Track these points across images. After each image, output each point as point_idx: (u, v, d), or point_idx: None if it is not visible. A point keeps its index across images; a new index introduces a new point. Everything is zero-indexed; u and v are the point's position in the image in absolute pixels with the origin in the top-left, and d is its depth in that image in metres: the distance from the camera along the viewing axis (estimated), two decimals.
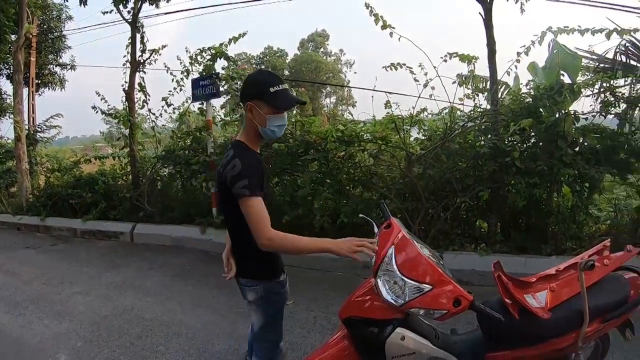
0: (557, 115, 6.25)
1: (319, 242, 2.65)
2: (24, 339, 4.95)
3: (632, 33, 6.72)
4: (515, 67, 6.74)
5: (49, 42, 15.10)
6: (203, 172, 8.48)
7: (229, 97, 8.52)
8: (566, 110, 6.30)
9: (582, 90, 6.63)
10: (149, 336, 4.89)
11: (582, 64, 7.34)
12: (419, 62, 6.60)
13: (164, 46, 9.71)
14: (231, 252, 2.98)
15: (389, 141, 7.07)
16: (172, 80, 8.90)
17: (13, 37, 12.46)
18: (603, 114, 6.58)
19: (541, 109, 6.37)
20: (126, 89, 9.74)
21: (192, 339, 4.79)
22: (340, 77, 66.91)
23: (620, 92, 6.89)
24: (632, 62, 7.17)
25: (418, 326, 2.72)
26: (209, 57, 8.39)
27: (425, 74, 6.58)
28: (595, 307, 2.62)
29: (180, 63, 8.71)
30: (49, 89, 15.96)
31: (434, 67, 6.47)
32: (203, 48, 8.42)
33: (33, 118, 14.35)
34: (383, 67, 6.77)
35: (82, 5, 10.43)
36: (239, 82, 8.05)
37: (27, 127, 12.80)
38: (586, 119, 6.51)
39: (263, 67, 58.68)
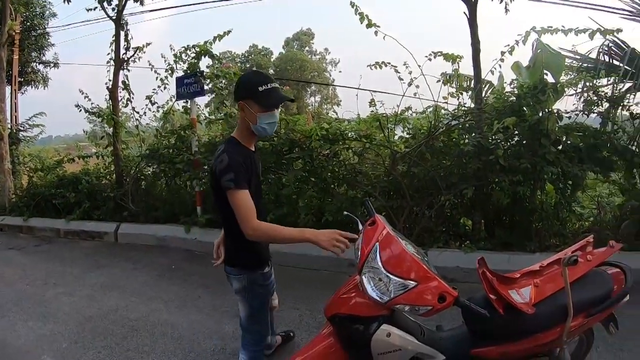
0: (540, 114, 6.28)
1: (300, 232, 2.76)
2: (7, 341, 4.89)
3: (615, 33, 6.79)
4: (500, 66, 6.77)
5: (32, 39, 14.93)
6: (187, 171, 8.43)
7: (213, 95, 8.47)
8: (549, 109, 6.33)
9: (566, 89, 6.71)
10: (134, 336, 4.85)
11: (566, 63, 7.39)
12: (404, 60, 6.64)
13: (148, 44, 9.62)
14: (223, 241, 3.20)
15: (374, 139, 7.08)
16: (157, 78, 8.89)
17: None
18: (586, 112, 6.64)
19: (525, 108, 6.40)
20: (110, 87, 9.65)
21: (178, 339, 4.77)
22: (325, 75, 66.95)
23: (603, 91, 6.97)
24: (615, 62, 7.22)
25: (403, 323, 2.73)
26: (193, 55, 8.34)
27: (410, 73, 6.62)
28: (579, 302, 2.64)
29: (165, 61, 8.70)
30: (32, 87, 15.78)
31: (419, 66, 6.51)
32: (187, 46, 8.38)
33: (16, 117, 14.16)
34: (368, 66, 6.79)
35: (66, 2, 10.33)
36: (223, 81, 8.05)
37: (9, 126, 12.63)
38: (569, 117, 6.56)
39: (248, 65, 58.76)
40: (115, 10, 9.59)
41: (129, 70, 9.69)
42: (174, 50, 8.51)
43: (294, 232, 2.79)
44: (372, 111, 7.19)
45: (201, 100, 9.13)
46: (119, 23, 9.55)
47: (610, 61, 7.21)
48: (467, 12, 6.82)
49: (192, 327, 5.01)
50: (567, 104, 7.17)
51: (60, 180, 10.27)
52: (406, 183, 6.73)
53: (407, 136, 7.35)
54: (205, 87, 8.22)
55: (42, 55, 15.65)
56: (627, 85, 7.03)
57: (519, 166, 6.04)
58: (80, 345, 4.70)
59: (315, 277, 6.24)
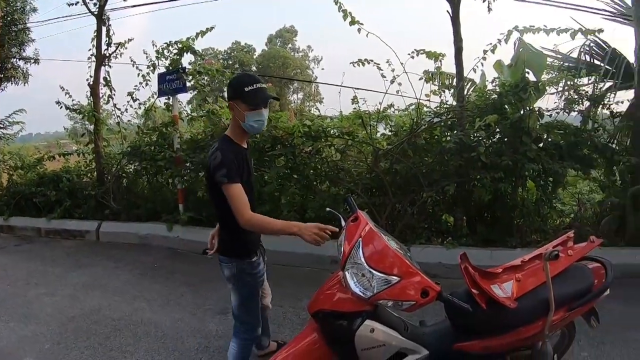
0: (522, 112, 6.34)
1: (288, 225, 2.95)
2: None
3: (596, 34, 6.86)
4: (482, 64, 6.81)
5: (13, 34, 14.72)
6: (169, 169, 8.33)
7: (195, 92, 8.42)
8: (531, 107, 6.40)
9: (547, 88, 6.78)
10: (117, 336, 4.82)
11: (547, 62, 7.46)
12: (387, 58, 6.65)
13: (130, 40, 9.55)
14: (218, 232, 3.40)
15: (356, 136, 7.11)
16: (138, 74, 8.77)
17: None
18: (567, 111, 6.75)
19: (506, 106, 6.46)
20: (91, 83, 9.54)
21: (162, 338, 4.74)
22: (308, 73, 66.68)
23: (584, 90, 7.07)
24: (596, 62, 7.31)
25: (387, 318, 2.74)
26: (175, 51, 8.24)
27: (393, 71, 6.63)
28: (561, 296, 2.67)
29: (147, 57, 8.59)
30: (12, 83, 15.55)
31: (401, 64, 6.53)
32: (170, 42, 8.29)
33: None
34: (350, 63, 6.78)
35: None
36: (205, 78, 8.01)
37: None
38: (550, 115, 6.68)
39: (230, 62, 58.56)
40: (97, 6, 9.47)
41: (110, 67, 9.59)
42: (156, 46, 8.42)
43: (283, 224, 2.98)
44: (355, 108, 7.18)
45: (183, 97, 9.05)
46: (101, 18, 9.43)
47: (592, 61, 7.31)
48: (450, 11, 6.85)
49: (175, 326, 4.99)
50: (549, 102, 7.21)
51: (40, 178, 10.11)
52: (388, 180, 6.76)
53: (390, 133, 7.37)
54: (188, 84, 8.14)
55: (22, 51, 15.41)
56: (608, 84, 7.14)
57: (501, 163, 6.10)
58: (62, 346, 4.65)
59: (298, 274, 6.24)
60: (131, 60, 8.96)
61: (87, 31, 9.47)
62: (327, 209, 3.31)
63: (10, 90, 15.78)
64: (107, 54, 9.47)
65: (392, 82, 6.64)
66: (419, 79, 6.77)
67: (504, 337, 2.71)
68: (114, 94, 9.49)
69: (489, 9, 7.14)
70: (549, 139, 6.48)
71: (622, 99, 6.94)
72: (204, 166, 7.67)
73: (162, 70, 8.50)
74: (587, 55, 7.36)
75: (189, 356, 4.39)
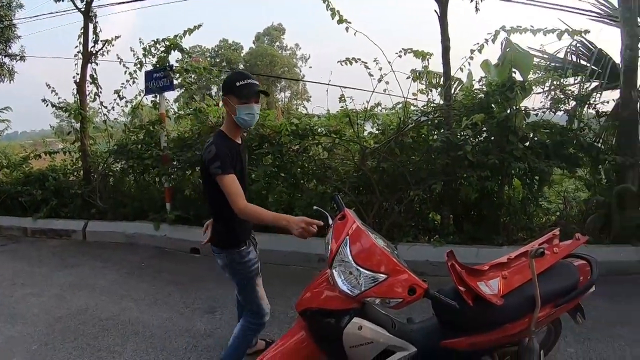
0: (508, 111, 6.40)
1: (279, 217, 3.02)
2: None
3: (582, 34, 6.92)
4: (469, 63, 6.85)
5: None
6: (156, 167, 8.29)
7: (182, 90, 8.40)
8: (517, 107, 6.46)
9: (533, 87, 6.85)
10: (105, 336, 4.78)
11: (534, 62, 7.53)
12: (374, 57, 6.66)
13: (117, 37, 9.43)
14: (212, 223, 3.53)
15: (343, 135, 7.12)
16: (125, 72, 8.69)
17: None
18: (553, 110, 6.79)
19: (493, 105, 6.49)
20: (77, 81, 9.45)
21: (150, 337, 4.72)
22: (295, 71, 66.54)
23: (570, 90, 7.15)
24: (582, 62, 7.39)
25: (375, 316, 2.76)
26: (163, 49, 8.20)
27: (380, 69, 6.64)
28: (547, 293, 2.70)
29: (134, 55, 8.54)
30: None
31: (389, 63, 6.55)
32: (157, 39, 8.23)
33: None
34: (338, 62, 6.81)
35: None
36: (193, 75, 8.00)
37: None
38: (537, 115, 6.71)
39: (218, 60, 58.40)
40: (84, 2, 9.40)
41: (97, 64, 9.48)
42: (143, 43, 8.36)
43: (274, 216, 3.07)
44: (342, 107, 7.19)
45: (170, 95, 9.04)
46: (88, 15, 9.35)
47: (578, 61, 7.38)
48: (437, 10, 6.87)
49: (163, 325, 4.96)
50: (535, 101, 7.27)
51: (26, 177, 10.01)
52: (375, 178, 6.77)
53: (377, 132, 7.40)
54: (175, 82, 8.12)
55: (8, 47, 15.32)
56: (594, 84, 7.21)
57: (487, 162, 6.14)
58: (50, 347, 4.60)
59: (286, 272, 6.23)
60: (118, 58, 8.91)
61: (74, 28, 9.38)
62: (315, 207, 3.35)
63: None
64: (94, 51, 9.36)
65: (379, 80, 6.67)
66: (407, 78, 6.84)
67: (491, 334, 2.73)
68: (101, 92, 9.41)
69: (477, 9, 7.17)
70: (535, 138, 6.54)
71: (608, 99, 7.02)
72: (192, 164, 7.72)
73: (149, 67, 8.45)
74: (573, 56, 7.43)
75: (178, 355, 4.37)
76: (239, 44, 66.45)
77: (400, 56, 6.56)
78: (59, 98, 9.52)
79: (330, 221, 2.96)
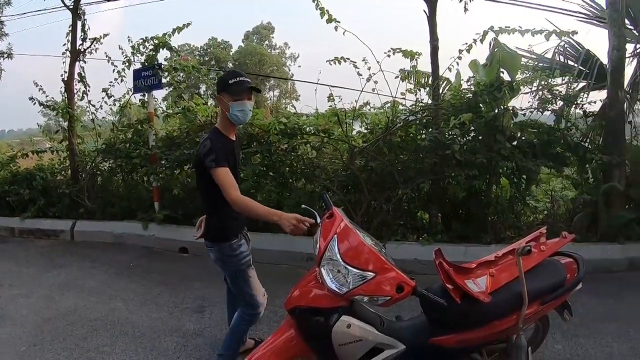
0: (496, 111, 6.44)
1: (271, 212, 3.06)
2: None
3: (570, 35, 6.97)
4: (457, 63, 6.87)
5: None
6: (144, 166, 8.24)
7: (171, 88, 8.36)
8: (505, 106, 6.47)
9: (521, 87, 6.88)
10: (94, 337, 4.75)
11: (522, 62, 7.57)
12: (363, 56, 6.68)
13: (105, 35, 9.38)
14: (206, 218, 3.61)
15: (332, 134, 7.13)
16: (113, 70, 8.61)
17: None
18: (540, 110, 6.84)
19: (481, 104, 6.54)
20: (65, 79, 9.40)
21: (139, 338, 4.70)
22: (285, 70, 66.34)
23: (558, 90, 7.23)
24: (570, 62, 7.46)
25: (363, 313, 2.78)
26: (151, 47, 8.15)
27: (369, 69, 6.66)
28: (534, 290, 2.72)
29: (122, 53, 8.45)
30: None
31: (377, 62, 6.57)
32: (146, 38, 8.18)
33: None
34: (327, 61, 6.81)
35: None
36: (181, 74, 7.95)
37: None
38: (524, 114, 6.77)
39: (207, 58, 58.25)
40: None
41: (85, 62, 9.43)
42: (131, 42, 8.30)
43: (266, 210, 3.11)
44: (331, 106, 7.19)
45: (159, 94, 8.97)
46: (76, 12, 9.29)
47: (565, 61, 7.45)
48: (426, 10, 6.90)
49: (152, 325, 4.95)
50: (523, 101, 7.35)
51: (14, 176, 9.92)
52: (364, 177, 6.80)
53: (365, 131, 7.41)
54: (163, 80, 8.08)
55: None
56: (581, 84, 7.30)
57: (475, 161, 6.17)
58: (39, 348, 4.57)
59: (275, 272, 6.18)
60: (106, 56, 8.82)
61: (62, 26, 9.33)
62: (303, 206, 3.34)
63: None
64: (82, 49, 9.32)
65: (368, 80, 6.68)
66: (395, 77, 6.85)
67: (479, 331, 2.75)
68: (89, 90, 9.38)
69: (465, 9, 7.21)
70: (523, 138, 6.57)
71: (595, 99, 7.12)
72: (180, 163, 7.70)
73: (138, 66, 8.41)
74: (561, 56, 7.50)
75: (167, 355, 4.36)
76: (228, 43, 66.12)
77: (389, 56, 6.57)
78: (46, 96, 9.46)
79: (319, 220, 2.96)
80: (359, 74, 6.71)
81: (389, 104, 7.11)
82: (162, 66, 7.97)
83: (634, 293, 5.30)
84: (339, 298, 2.60)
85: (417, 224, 7.20)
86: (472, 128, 6.63)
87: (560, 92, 7.22)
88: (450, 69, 6.95)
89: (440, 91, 7.24)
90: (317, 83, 7.17)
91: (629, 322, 4.54)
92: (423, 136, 6.79)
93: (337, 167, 7.28)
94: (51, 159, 10.10)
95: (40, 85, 9.33)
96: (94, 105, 9.30)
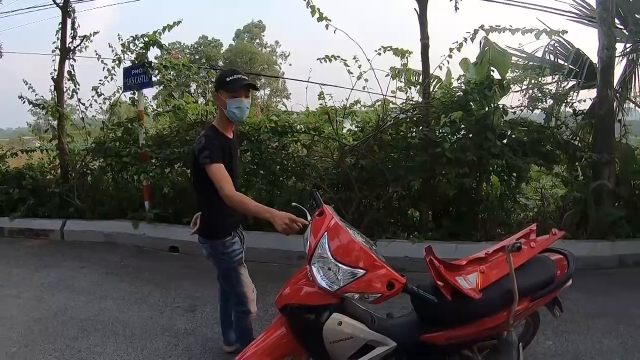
0: (486, 109, 6.45)
1: (264, 209, 3.02)
2: None
3: (560, 34, 7.01)
4: (448, 62, 6.87)
5: None
6: (134, 165, 8.19)
7: (161, 87, 8.32)
8: (495, 104, 6.50)
9: (512, 86, 6.93)
10: (85, 337, 4.70)
11: (512, 61, 7.61)
12: (354, 55, 6.68)
13: (95, 32, 9.33)
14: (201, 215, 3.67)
15: (322, 132, 7.16)
16: (103, 68, 8.61)
17: None
18: (531, 108, 6.88)
19: (471, 103, 6.56)
20: (55, 77, 9.34)
21: (130, 337, 4.66)
22: (275, 68, 66.13)
23: (548, 88, 7.26)
24: (560, 61, 7.50)
25: (354, 311, 2.77)
26: (141, 45, 8.11)
27: (360, 67, 6.67)
28: (524, 287, 2.73)
29: (112, 51, 8.43)
30: None
31: (368, 60, 6.59)
32: (136, 36, 8.16)
33: None
34: (317, 59, 6.82)
35: None
36: (172, 72, 7.92)
37: None
38: (514, 113, 6.81)
39: (197, 57, 58.07)
40: None
41: (75, 60, 9.36)
42: (122, 39, 8.27)
43: (259, 207, 3.06)
44: (321, 104, 7.20)
45: (149, 92, 8.93)
46: (66, 10, 9.23)
47: (556, 60, 7.49)
48: (417, 9, 6.91)
49: (143, 325, 4.92)
50: (513, 100, 7.41)
51: (3, 175, 9.84)
52: (354, 175, 6.80)
53: (356, 129, 7.44)
54: (154, 79, 8.05)
55: None
56: (571, 83, 7.34)
57: (465, 159, 6.19)
58: (29, 349, 4.52)
59: (265, 270, 6.18)
60: (96, 54, 8.79)
61: (51, 23, 9.25)
62: (294, 203, 3.37)
63: None
64: (72, 47, 9.26)
65: (358, 78, 6.70)
66: (386, 76, 6.87)
67: (470, 328, 2.75)
68: (79, 89, 9.33)
69: (456, 8, 7.22)
70: (513, 136, 6.60)
71: (585, 98, 7.18)
72: (170, 162, 7.68)
73: (128, 64, 8.37)
74: (551, 55, 7.55)
75: (158, 355, 4.33)
76: (218, 41, 65.87)
77: (379, 54, 6.59)
78: (36, 95, 9.41)
79: (309, 218, 2.94)
80: (350, 72, 6.74)
81: (379, 102, 7.14)
82: (153, 64, 7.95)
83: (623, 289, 5.36)
84: (330, 295, 2.59)
85: (407, 222, 7.23)
86: (463, 126, 6.64)
87: (551, 90, 7.26)
88: (440, 67, 6.97)
89: (431, 89, 7.27)
90: (307, 81, 7.17)
91: (618, 318, 4.58)
92: (413, 134, 6.84)
93: (328, 165, 7.31)
94: (41, 158, 10.03)
95: (30, 84, 9.28)
96: (83, 104, 9.28)
